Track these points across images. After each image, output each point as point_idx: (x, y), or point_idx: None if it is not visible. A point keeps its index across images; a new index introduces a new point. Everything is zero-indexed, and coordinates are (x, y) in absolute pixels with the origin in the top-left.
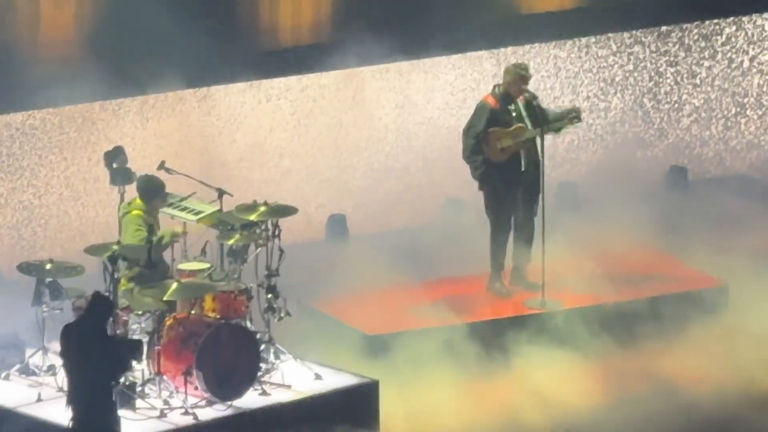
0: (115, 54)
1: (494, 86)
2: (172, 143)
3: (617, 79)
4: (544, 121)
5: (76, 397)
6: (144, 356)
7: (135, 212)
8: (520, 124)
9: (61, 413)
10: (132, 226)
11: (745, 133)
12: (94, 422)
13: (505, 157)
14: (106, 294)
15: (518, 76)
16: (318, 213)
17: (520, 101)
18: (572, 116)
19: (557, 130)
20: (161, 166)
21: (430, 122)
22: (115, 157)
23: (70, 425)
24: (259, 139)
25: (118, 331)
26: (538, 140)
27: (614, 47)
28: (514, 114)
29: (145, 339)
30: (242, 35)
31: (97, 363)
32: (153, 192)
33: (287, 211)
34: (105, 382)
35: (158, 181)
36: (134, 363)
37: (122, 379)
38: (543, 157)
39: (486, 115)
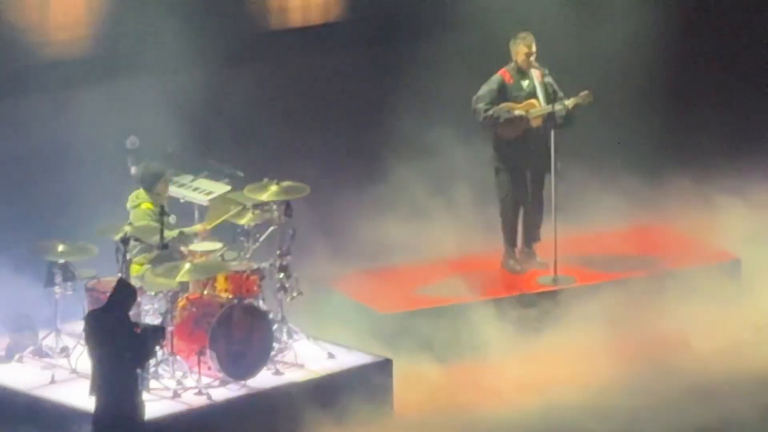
0: (123, 39)
1: (510, 62)
2: None
3: None
4: (555, 98)
5: (100, 384)
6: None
7: (144, 206)
8: (531, 100)
9: (75, 395)
10: (142, 221)
11: None
12: (119, 409)
13: (515, 134)
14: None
15: (519, 44)
16: None
17: (537, 78)
18: (584, 94)
19: (567, 107)
20: (170, 150)
21: None
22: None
23: (95, 412)
24: None
25: (131, 312)
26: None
27: None
28: (527, 89)
29: (158, 320)
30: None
31: (122, 350)
32: (151, 180)
33: (298, 190)
34: (130, 369)
35: (155, 168)
36: (156, 348)
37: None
38: (552, 134)
39: (495, 87)
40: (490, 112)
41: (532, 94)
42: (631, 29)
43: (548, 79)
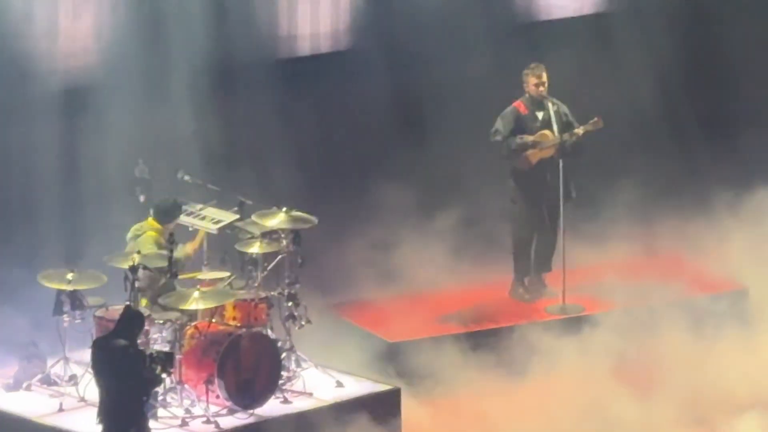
0: (131, 67)
1: (523, 93)
2: None
3: None
4: (569, 127)
5: (107, 411)
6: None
7: (149, 234)
8: (544, 131)
9: (82, 423)
10: (148, 247)
11: None
12: None
13: (531, 165)
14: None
15: (530, 75)
16: None
17: (552, 108)
18: (593, 122)
19: (578, 135)
20: (180, 176)
21: None
22: (134, 165)
23: None
24: None
25: (139, 341)
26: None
27: None
28: (542, 120)
29: (166, 348)
30: (261, 43)
31: (129, 377)
32: (173, 216)
33: (307, 219)
34: (137, 396)
35: (172, 203)
36: (164, 375)
37: (154, 393)
38: (561, 164)
39: (511, 119)
40: (505, 144)
41: (548, 124)
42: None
43: (563, 109)
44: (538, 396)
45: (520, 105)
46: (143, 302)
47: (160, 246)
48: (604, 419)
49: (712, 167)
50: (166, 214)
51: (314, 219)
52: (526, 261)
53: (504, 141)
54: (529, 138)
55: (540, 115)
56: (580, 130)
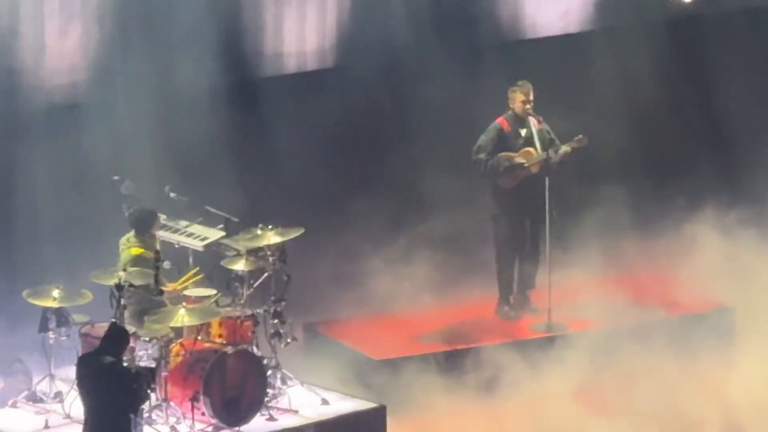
0: (117, 84)
1: (507, 110)
2: None
3: None
4: (552, 144)
5: (93, 428)
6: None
7: (134, 251)
8: (528, 149)
9: None
10: (136, 267)
11: None
12: None
13: (514, 183)
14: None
15: (517, 92)
16: None
17: (535, 126)
18: (578, 139)
19: (565, 153)
20: (166, 192)
21: None
22: (122, 181)
23: None
24: None
25: (125, 358)
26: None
27: None
28: (524, 137)
29: (152, 365)
30: (246, 61)
31: (115, 394)
32: (146, 223)
33: (293, 231)
34: (123, 413)
35: (147, 211)
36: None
37: (140, 410)
38: (547, 181)
39: (494, 135)
40: (491, 162)
41: (530, 142)
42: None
43: (545, 126)
44: (523, 415)
45: (503, 122)
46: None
47: (143, 263)
48: None
49: (697, 185)
50: (142, 221)
51: (300, 228)
52: (510, 279)
53: (488, 159)
54: (518, 159)
55: (523, 132)
56: (566, 148)
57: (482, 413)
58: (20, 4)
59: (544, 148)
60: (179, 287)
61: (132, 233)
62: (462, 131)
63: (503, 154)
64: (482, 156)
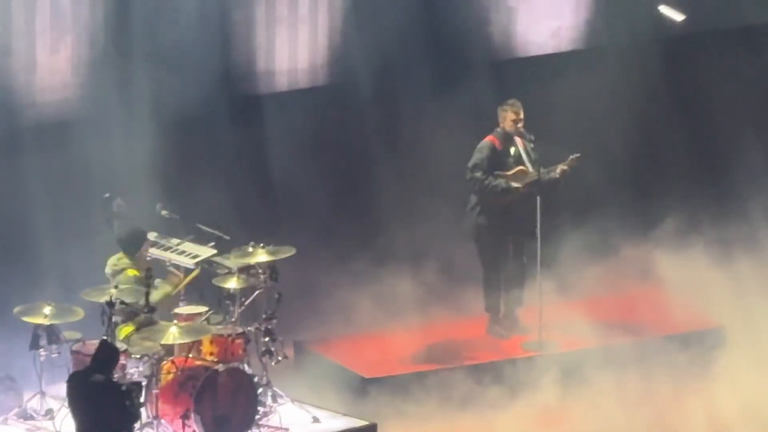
0: (108, 101)
1: (496, 127)
2: None
3: None
4: (536, 163)
5: None
6: (142, 399)
7: (130, 272)
8: (521, 167)
9: None
10: (128, 285)
11: None
12: None
13: (506, 201)
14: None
15: (508, 110)
16: None
17: (520, 144)
18: (573, 158)
19: (559, 172)
20: (158, 209)
21: None
22: (112, 199)
23: None
24: None
25: (116, 375)
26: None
27: None
28: (514, 155)
29: (143, 382)
30: (238, 79)
31: (107, 412)
32: (137, 244)
33: (284, 251)
34: (116, 430)
35: (138, 232)
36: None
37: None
38: (539, 200)
39: (488, 153)
40: (487, 182)
41: (519, 160)
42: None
43: (531, 145)
44: None
45: (494, 140)
46: (123, 333)
47: (140, 284)
48: None
49: (688, 204)
50: (130, 243)
51: (292, 249)
52: (497, 297)
53: (484, 177)
54: (515, 184)
55: (512, 150)
56: (563, 166)
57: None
58: (12, 21)
59: (532, 166)
60: (182, 287)
61: (121, 253)
62: (453, 148)
63: (501, 174)
64: (479, 174)
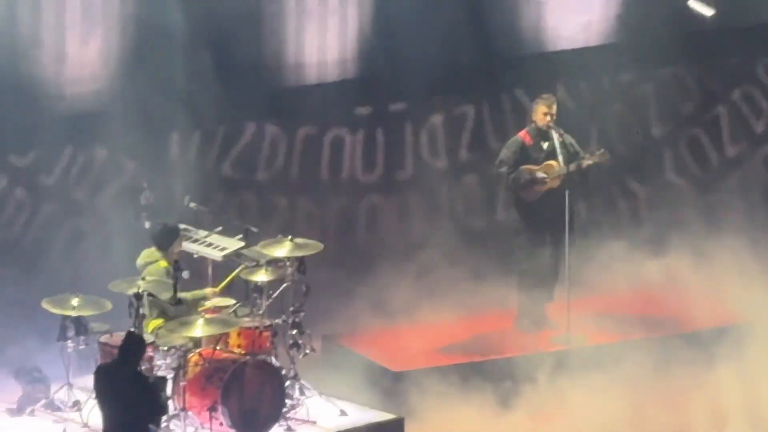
0: (139, 94)
1: (529, 123)
2: None
3: None
4: (575, 157)
5: None
6: (169, 393)
7: (161, 264)
8: (549, 162)
9: None
10: (156, 277)
11: None
12: None
13: (537, 196)
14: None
15: (540, 105)
16: None
17: (557, 138)
18: (600, 153)
19: (584, 166)
20: (186, 201)
21: None
22: (140, 191)
23: None
24: None
25: (143, 367)
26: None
27: None
28: (547, 150)
29: (171, 375)
30: (268, 73)
31: (134, 403)
32: (170, 240)
33: (312, 247)
34: (143, 422)
35: (172, 228)
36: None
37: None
38: (567, 194)
39: (516, 149)
40: (513, 175)
41: (552, 155)
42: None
43: (569, 139)
44: (542, 427)
45: (525, 135)
46: (151, 326)
47: (169, 277)
48: None
49: (716, 199)
50: (163, 238)
51: (319, 244)
52: (527, 291)
53: (509, 172)
54: (538, 173)
55: (545, 145)
56: (586, 162)
57: (501, 426)
58: (42, 14)
59: (567, 162)
60: (218, 289)
61: (154, 248)
62: (485, 140)
63: (525, 167)
64: (504, 170)
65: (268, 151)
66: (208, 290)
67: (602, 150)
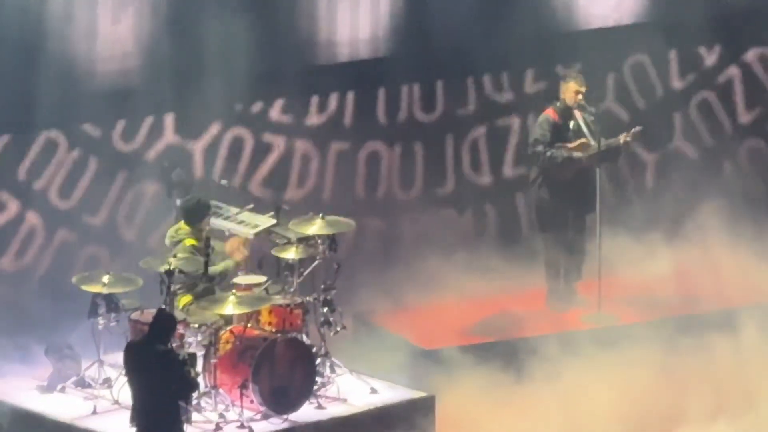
0: (172, 69)
1: (555, 101)
2: None
3: None
4: (601, 134)
5: (142, 415)
6: (198, 369)
7: (188, 242)
8: (583, 139)
9: (116, 426)
10: (187, 254)
11: None
12: None
13: (570, 175)
14: (170, 310)
15: (570, 82)
16: None
17: (579, 116)
18: (636, 131)
19: (620, 143)
20: (219, 180)
21: None
22: (172, 168)
23: None
24: None
25: (174, 345)
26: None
27: None
28: (573, 129)
29: (201, 352)
30: (300, 49)
31: (163, 381)
32: (201, 215)
33: (344, 225)
34: (173, 399)
35: (204, 203)
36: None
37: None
38: (598, 173)
39: (548, 127)
40: (549, 153)
41: (579, 134)
42: None
43: (591, 118)
44: (572, 406)
45: (553, 113)
46: (182, 303)
47: (199, 253)
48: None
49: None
50: (193, 213)
51: (352, 223)
52: (557, 270)
53: (546, 150)
54: (576, 154)
55: (571, 124)
56: (622, 139)
57: (531, 404)
58: None
59: (594, 139)
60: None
61: (182, 223)
62: (512, 120)
63: (561, 145)
64: (540, 148)
65: (299, 126)
66: (230, 261)
67: (637, 128)
